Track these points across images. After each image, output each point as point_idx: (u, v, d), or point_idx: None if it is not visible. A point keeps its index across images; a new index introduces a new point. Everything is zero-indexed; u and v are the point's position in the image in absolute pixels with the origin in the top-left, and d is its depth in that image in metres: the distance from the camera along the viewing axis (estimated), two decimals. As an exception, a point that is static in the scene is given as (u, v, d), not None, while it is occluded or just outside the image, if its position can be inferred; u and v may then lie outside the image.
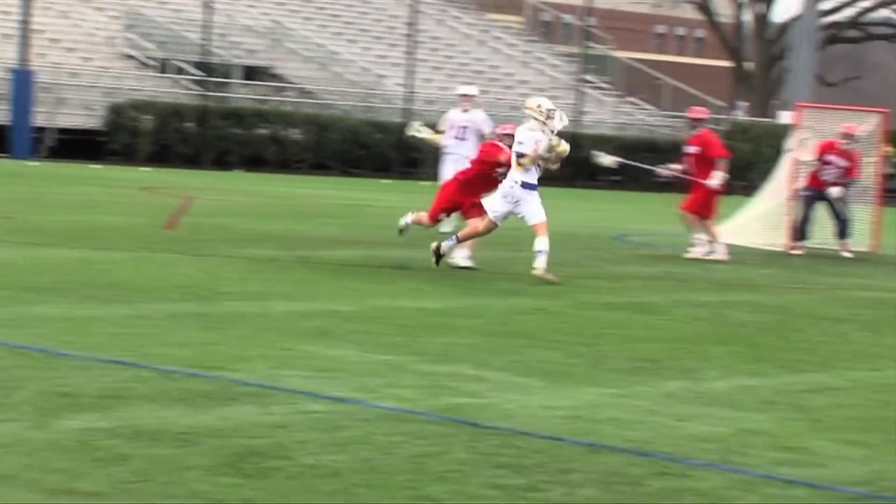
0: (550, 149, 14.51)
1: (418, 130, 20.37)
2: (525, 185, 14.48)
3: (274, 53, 46.85)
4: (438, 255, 14.77)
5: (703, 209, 18.94)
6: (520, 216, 14.66)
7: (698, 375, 9.45)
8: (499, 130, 15.67)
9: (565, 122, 14.78)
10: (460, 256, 15.06)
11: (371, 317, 11.30)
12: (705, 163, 19.00)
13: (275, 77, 45.90)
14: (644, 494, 6.26)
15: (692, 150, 19.23)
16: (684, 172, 19.28)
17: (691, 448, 7.15)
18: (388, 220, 23.27)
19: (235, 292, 12.35)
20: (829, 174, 21.16)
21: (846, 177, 21.21)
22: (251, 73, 45.78)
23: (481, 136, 21.18)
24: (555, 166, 14.81)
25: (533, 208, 14.54)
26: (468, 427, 7.34)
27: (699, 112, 19.87)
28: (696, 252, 18.85)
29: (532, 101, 14.94)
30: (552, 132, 14.54)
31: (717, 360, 10.17)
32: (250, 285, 12.93)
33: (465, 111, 21.48)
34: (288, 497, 5.92)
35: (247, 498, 5.83)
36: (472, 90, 22.39)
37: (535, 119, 14.56)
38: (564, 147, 14.65)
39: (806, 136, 21.96)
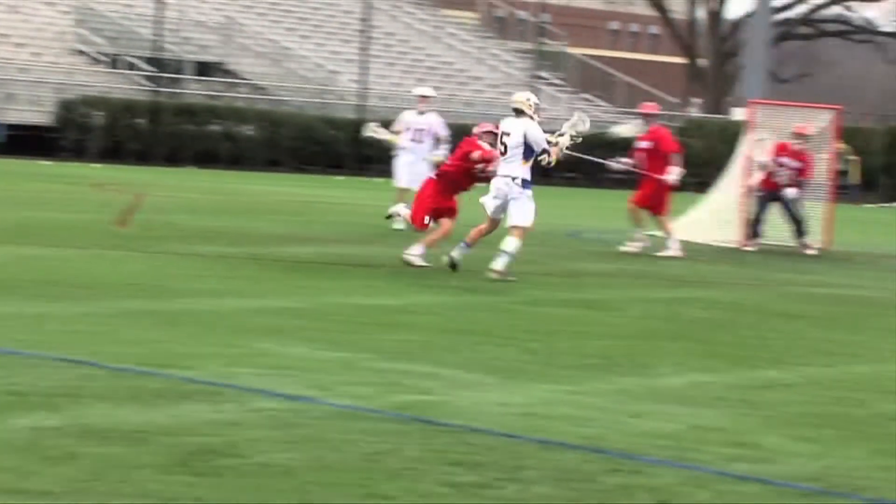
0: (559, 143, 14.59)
1: (375, 131, 20.36)
2: (524, 183, 14.43)
3: (226, 49, 46.66)
4: (453, 265, 14.55)
5: (656, 204, 18.99)
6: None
7: (652, 372, 9.46)
8: (477, 129, 15.57)
9: (587, 124, 14.87)
10: (415, 254, 15.02)
11: (324, 314, 11.26)
12: (657, 158, 19.04)
13: (227, 73, 45.72)
14: (598, 491, 6.26)
15: (644, 144, 19.27)
16: (635, 167, 19.33)
17: (645, 444, 7.15)
18: (342, 216, 23.27)
19: (187, 290, 12.29)
20: (781, 175, 21.23)
21: (799, 177, 21.29)
22: (203, 68, 45.58)
23: (437, 139, 21.26)
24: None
25: (521, 209, 14.46)
26: (422, 424, 7.32)
27: (650, 107, 19.93)
28: (632, 247, 18.87)
29: (521, 95, 14.92)
30: (570, 134, 14.63)
31: (670, 356, 10.18)
32: (202, 283, 12.86)
33: (422, 113, 21.49)
34: (240, 496, 5.88)
35: (199, 497, 5.79)
36: (429, 91, 22.40)
37: (525, 113, 14.54)
38: (564, 142, 14.73)
39: (763, 136, 22.01)
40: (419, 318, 11.40)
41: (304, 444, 6.74)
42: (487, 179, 14.97)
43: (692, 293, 14.77)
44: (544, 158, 14.49)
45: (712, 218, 22.30)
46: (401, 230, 20.86)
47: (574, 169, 43.17)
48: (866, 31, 64.79)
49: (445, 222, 15.06)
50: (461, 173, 15.18)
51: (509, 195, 14.46)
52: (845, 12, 64.26)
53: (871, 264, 20.30)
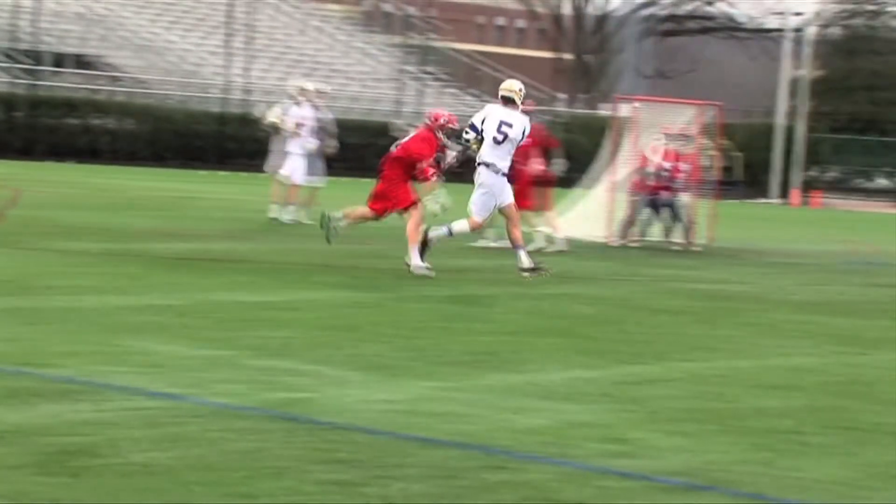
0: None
1: (264, 115, 20.46)
2: (504, 175, 14.57)
3: (106, 43, 46.09)
4: (535, 271, 14.56)
5: (533, 199, 19.07)
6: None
7: (535, 368, 9.48)
8: (442, 120, 15.31)
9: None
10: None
11: (205, 311, 11.15)
12: (532, 153, 19.12)
13: (108, 67, 45.19)
14: (478, 488, 6.25)
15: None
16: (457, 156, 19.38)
17: (525, 441, 7.16)
18: (225, 212, 23.10)
19: (65, 286, 12.11)
20: (660, 177, 21.33)
21: (672, 178, 21.45)
22: (83, 62, 45.00)
23: (326, 133, 21.48)
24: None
25: (485, 202, 14.60)
26: (303, 423, 7.27)
27: (526, 105, 20.02)
28: (559, 246, 18.96)
29: (514, 84, 14.89)
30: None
31: (554, 352, 10.21)
32: (81, 280, 12.69)
33: (316, 108, 21.75)
34: (118, 496, 5.79)
35: (76, 497, 5.69)
36: (325, 87, 22.68)
37: (515, 103, 14.56)
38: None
39: (660, 139, 22.06)
40: (302, 314, 11.34)
41: (183, 444, 6.66)
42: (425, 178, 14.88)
43: (577, 289, 14.84)
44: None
45: (581, 213, 22.42)
46: (291, 222, 20.76)
47: (462, 164, 43.31)
48: (742, 30, 65.67)
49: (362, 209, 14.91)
50: (408, 167, 14.95)
51: (492, 184, 14.42)
52: (728, 9, 65.06)
53: (752, 260, 20.55)
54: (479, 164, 14.72)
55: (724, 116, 24.16)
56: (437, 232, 14.58)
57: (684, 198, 21.55)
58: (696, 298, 14.59)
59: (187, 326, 10.25)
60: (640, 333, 11.64)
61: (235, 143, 41.21)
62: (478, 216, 14.67)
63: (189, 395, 7.77)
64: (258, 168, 38.26)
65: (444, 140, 15.00)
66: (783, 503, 6.38)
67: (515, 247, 14.71)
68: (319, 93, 22.04)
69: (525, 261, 14.59)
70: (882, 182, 56.36)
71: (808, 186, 46.36)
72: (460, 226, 14.70)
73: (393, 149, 15.01)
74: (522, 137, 14.61)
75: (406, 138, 15.09)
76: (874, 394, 9.35)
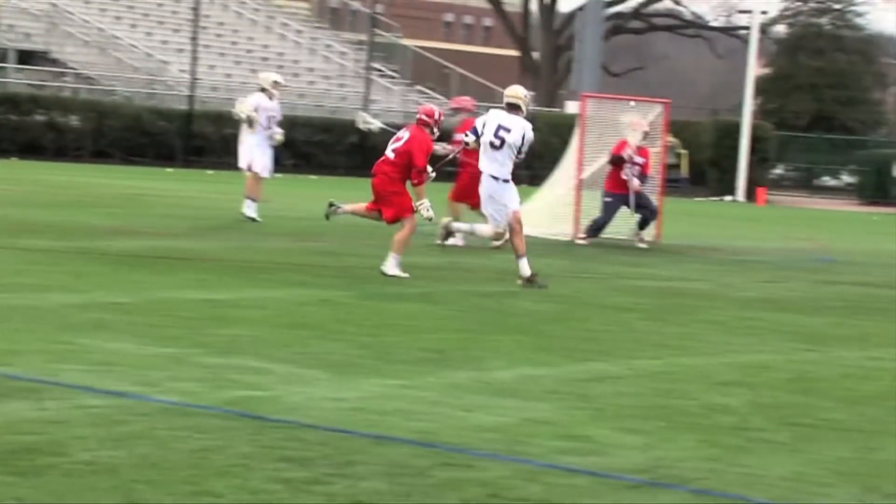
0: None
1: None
2: (505, 182, 14.48)
3: (51, 37, 45.75)
4: (531, 281, 14.32)
5: (473, 196, 19.06)
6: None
7: (484, 365, 9.47)
8: (426, 117, 15.09)
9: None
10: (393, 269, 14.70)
11: (153, 309, 11.08)
12: (471, 151, 19.11)
13: (53, 62, 44.85)
14: (429, 486, 6.23)
15: (459, 137, 19.38)
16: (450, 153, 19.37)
17: (476, 438, 7.14)
18: (172, 209, 22.97)
19: (10, 284, 12.00)
20: (631, 172, 21.25)
21: (643, 173, 21.45)
22: (27, 57, 44.64)
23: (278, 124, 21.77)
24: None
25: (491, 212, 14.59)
26: (252, 420, 7.23)
27: (462, 101, 20.11)
28: (455, 241, 18.88)
29: (519, 91, 14.81)
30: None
31: (503, 349, 10.21)
32: (26, 277, 12.58)
33: (271, 98, 21.86)
34: (64, 495, 5.73)
35: (20, 497, 5.63)
36: (282, 79, 22.94)
37: (520, 109, 14.54)
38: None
39: (637, 136, 21.90)
40: (250, 312, 11.28)
41: (130, 442, 6.61)
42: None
43: (524, 289, 14.82)
44: (519, 159, 14.62)
45: (545, 211, 22.44)
46: (255, 220, 20.65)
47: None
48: (696, 26, 65.98)
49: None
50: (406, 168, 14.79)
51: (494, 193, 14.46)
52: (676, 7, 65.34)
53: (701, 257, 20.63)
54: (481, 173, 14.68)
55: (674, 114, 24.19)
56: (462, 225, 14.64)
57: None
58: (645, 295, 14.62)
59: (134, 324, 10.18)
60: (589, 331, 11.65)
61: (202, 140, 40.94)
62: (499, 225, 14.57)
63: (136, 393, 7.71)
64: (224, 166, 38.24)
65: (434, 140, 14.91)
66: (731, 499, 6.39)
67: (517, 256, 14.49)
68: (277, 84, 22.25)
69: (525, 270, 14.39)
70: (827, 179, 56.77)
71: (755, 183, 46.58)
72: (483, 229, 14.67)
73: (391, 153, 14.65)
74: (523, 143, 14.40)
75: (400, 142, 14.73)
76: (821, 390, 9.39)
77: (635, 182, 21.16)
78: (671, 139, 23.67)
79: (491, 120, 14.63)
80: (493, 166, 14.54)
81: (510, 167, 14.56)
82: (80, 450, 6.40)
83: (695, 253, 21.33)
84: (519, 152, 14.52)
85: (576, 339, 11.11)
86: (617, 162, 21.18)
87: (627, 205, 21.32)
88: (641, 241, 21.41)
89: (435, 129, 14.88)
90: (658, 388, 9.04)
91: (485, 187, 14.67)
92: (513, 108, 14.64)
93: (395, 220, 14.56)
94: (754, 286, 16.52)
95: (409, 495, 6.07)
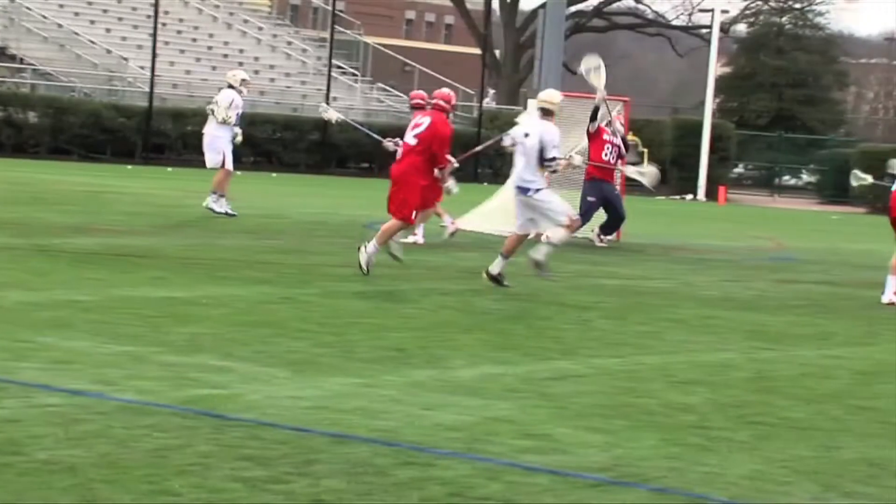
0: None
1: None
2: (537, 191, 14.20)
3: (9, 33, 45.47)
4: (497, 280, 14.16)
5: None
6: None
7: (445, 364, 9.45)
8: (454, 102, 15.08)
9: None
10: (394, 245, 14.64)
11: (112, 307, 11.01)
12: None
13: (11, 58, 44.57)
14: (389, 485, 6.21)
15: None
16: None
17: (437, 437, 7.13)
18: (132, 206, 22.86)
19: (-32, 281, 11.91)
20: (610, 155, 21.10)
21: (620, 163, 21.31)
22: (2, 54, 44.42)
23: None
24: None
25: (557, 206, 14.27)
26: (211, 419, 7.19)
27: (417, 96, 20.11)
28: (415, 238, 18.91)
29: (555, 96, 14.45)
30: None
31: (464, 348, 10.20)
32: (-14, 274, 12.49)
33: (241, 94, 21.94)
34: (21, 494, 5.69)
35: (-24, 497, 5.59)
36: (248, 76, 23.08)
37: (552, 115, 14.13)
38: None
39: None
40: (210, 310, 11.23)
41: (88, 441, 6.57)
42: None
43: (486, 285, 14.82)
44: (551, 166, 14.28)
45: (505, 209, 22.43)
46: (227, 215, 20.55)
47: (370, 159, 43.23)
48: (657, 25, 66.14)
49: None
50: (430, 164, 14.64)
51: (535, 205, 14.18)
52: (637, 5, 65.47)
53: (662, 256, 20.67)
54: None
55: (635, 112, 24.22)
56: (542, 253, 14.26)
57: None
58: (604, 294, 14.64)
59: (92, 322, 10.12)
60: (548, 329, 11.65)
61: (162, 137, 40.76)
62: (569, 218, 14.37)
63: (95, 391, 7.66)
64: (184, 163, 38.06)
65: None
66: (693, 498, 6.40)
67: (503, 253, 14.35)
68: (245, 81, 22.37)
69: (497, 268, 14.29)
70: (787, 179, 56.99)
71: (716, 182, 46.71)
72: (558, 235, 14.42)
73: (413, 139, 14.48)
74: (543, 147, 13.97)
75: (421, 128, 14.46)
76: (781, 389, 9.42)
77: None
78: (632, 137, 23.58)
79: (521, 125, 14.45)
80: (525, 175, 14.19)
81: (534, 173, 14.12)
82: (36, 448, 6.37)
83: (656, 252, 21.37)
84: (543, 157, 14.05)
85: (537, 337, 11.11)
86: (593, 117, 20.97)
87: (603, 193, 21.11)
88: (601, 241, 21.41)
89: (450, 114, 14.84)
90: (619, 387, 9.04)
91: (523, 202, 14.28)
92: (546, 113, 14.22)
93: (395, 213, 14.42)
94: (715, 285, 16.56)
95: (367, 494, 6.05)
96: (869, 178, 17.94)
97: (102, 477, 5.99)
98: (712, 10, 50.97)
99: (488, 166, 43.65)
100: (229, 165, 21.39)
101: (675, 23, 66.49)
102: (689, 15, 65.67)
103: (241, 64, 46.80)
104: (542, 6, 52.60)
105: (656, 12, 66.22)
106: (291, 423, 7.20)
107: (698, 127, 47.40)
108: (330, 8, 51.11)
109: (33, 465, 6.11)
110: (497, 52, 60.24)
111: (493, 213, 22.22)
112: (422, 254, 17.65)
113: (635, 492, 6.44)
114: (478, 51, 60.69)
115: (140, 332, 9.84)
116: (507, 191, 23.13)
